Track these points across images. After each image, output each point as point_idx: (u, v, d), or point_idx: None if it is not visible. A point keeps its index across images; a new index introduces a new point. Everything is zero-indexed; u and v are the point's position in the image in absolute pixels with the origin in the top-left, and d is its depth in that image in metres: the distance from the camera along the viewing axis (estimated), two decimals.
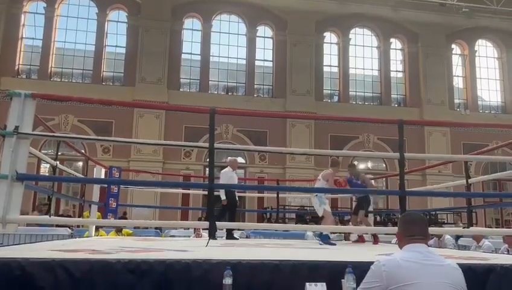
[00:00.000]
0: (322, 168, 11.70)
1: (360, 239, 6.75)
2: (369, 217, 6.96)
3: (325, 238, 5.92)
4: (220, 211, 6.98)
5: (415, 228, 2.21)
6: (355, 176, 6.81)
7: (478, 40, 21.39)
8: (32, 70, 17.96)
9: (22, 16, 17.99)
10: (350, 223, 7.23)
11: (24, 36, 18.09)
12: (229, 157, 7.92)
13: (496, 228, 16.11)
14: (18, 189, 3.54)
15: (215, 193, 6.79)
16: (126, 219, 12.96)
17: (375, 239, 6.57)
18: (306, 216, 14.35)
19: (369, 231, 6.52)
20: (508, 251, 5.83)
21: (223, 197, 6.94)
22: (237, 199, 7.43)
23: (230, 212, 7.01)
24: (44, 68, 17.75)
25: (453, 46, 21.12)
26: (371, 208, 7.15)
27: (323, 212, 6.09)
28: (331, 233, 6.72)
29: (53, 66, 18.03)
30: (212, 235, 5.90)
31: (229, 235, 6.95)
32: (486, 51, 21.72)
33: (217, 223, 3.87)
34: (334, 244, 5.75)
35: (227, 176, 7.03)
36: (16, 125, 3.57)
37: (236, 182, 7.37)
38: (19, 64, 17.77)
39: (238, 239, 7.00)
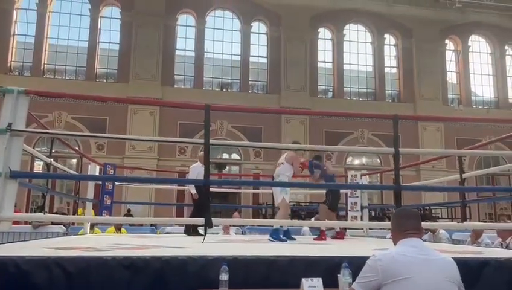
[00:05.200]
0: None
1: (339, 235, 6.20)
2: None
3: (275, 234, 5.29)
4: (199, 206, 6.60)
5: (408, 222, 2.22)
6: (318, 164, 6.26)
7: (471, 35, 21.48)
8: (25, 67, 17.81)
9: (14, 12, 17.82)
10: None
11: (16, 33, 17.93)
12: (199, 152, 7.65)
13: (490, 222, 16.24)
14: (12, 186, 3.51)
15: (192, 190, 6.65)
16: (132, 215, 12.97)
17: (339, 234, 6.19)
18: (301, 212, 14.40)
19: (323, 225, 6.02)
20: (501, 245, 5.88)
21: (193, 191, 6.70)
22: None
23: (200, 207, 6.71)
24: (37, 65, 17.61)
25: (447, 41, 21.20)
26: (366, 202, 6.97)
27: (281, 201, 5.58)
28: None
29: (46, 62, 17.90)
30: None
31: (194, 231, 6.64)
32: (479, 47, 21.82)
33: (213, 219, 3.86)
34: (285, 241, 5.31)
35: (196, 171, 6.75)
36: (9, 122, 3.53)
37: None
38: (11, 61, 17.62)
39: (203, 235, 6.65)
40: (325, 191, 6.51)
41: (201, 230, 6.42)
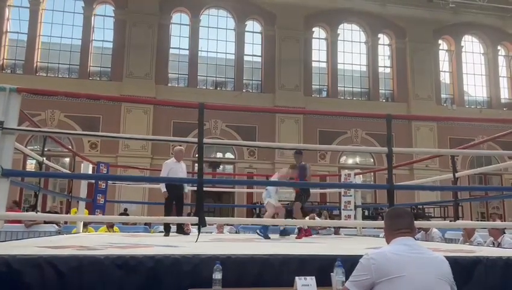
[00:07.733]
0: (310, 163, 11.76)
1: (305, 233, 6.27)
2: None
3: (264, 229, 5.82)
4: (165, 205, 6.60)
5: (401, 221, 2.24)
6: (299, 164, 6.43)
7: (464, 35, 21.62)
8: (17, 65, 17.66)
9: (6, 9, 17.67)
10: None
11: (9, 30, 17.77)
12: (175, 147, 7.46)
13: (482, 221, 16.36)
14: (3, 185, 3.49)
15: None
16: (128, 215, 12.89)
17: (306, 231, 6.35)
18: None
19: (300, 223, 6.22)
20: (493, 243, 5.93)
21: (163, 189, 6.49)
22: (184, 191, 6.72)
23: (177, 206, 6.57)
24: (30, 63, 17.47)
25: (440, 41, 21.31)
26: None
27: (267, 204, 6.16)
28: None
29: (39, 60, 17.76)
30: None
31: (180, 229, 6.72)
32: (472, 47, 21.96)
33: (207, 218, 3.85)
34: (269, 238, 5.72)
35: (168, 167, 6.50)
36: (1, 121, 3.50)
37: (179, 174, 6.49)
38: (3, 58, 17.47)
39: (188, 234, 6.56)
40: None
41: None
